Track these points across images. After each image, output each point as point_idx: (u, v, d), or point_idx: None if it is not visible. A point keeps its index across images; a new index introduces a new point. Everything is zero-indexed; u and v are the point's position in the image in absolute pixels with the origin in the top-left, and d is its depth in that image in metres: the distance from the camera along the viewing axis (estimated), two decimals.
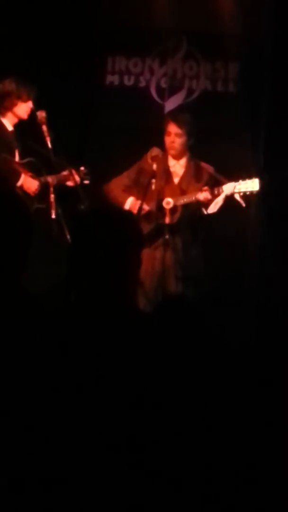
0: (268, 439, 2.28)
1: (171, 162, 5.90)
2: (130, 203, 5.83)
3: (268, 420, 2.30)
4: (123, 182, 5.96)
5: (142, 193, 5.71)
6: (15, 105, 5.73)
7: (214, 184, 5.80)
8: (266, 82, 6.75)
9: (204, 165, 5.91)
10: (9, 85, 5.73)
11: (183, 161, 5.91)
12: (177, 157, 5.89)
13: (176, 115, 5.97)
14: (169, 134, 5.82)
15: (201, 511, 2.15)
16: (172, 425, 2.15)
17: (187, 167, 5.91)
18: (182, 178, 5.91)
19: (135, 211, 5.66)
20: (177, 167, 5.91)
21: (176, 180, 5.90)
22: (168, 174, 5.90)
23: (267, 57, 6.74)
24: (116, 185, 5.95)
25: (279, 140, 6.60)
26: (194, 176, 5.90)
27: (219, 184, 5.77)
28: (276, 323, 5.79)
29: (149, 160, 5.80)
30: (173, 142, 5.81)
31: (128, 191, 5.92)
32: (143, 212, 5.73)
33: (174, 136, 5.80)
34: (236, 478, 2.19)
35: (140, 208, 5.68)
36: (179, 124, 5.79)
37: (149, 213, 5.82)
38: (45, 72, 6.46)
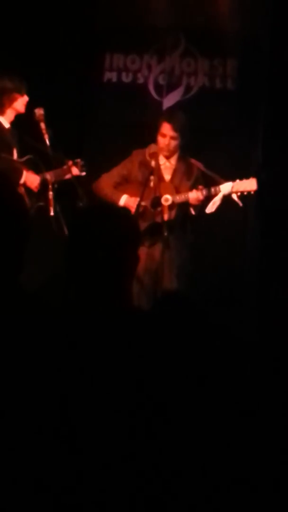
0: (270, 437, 2.27)
1: (161, 160, 5.87)
2: (125, 200, 5.82)
3: (269, 419, 2.30)
4: (113, 180, 5.95)
5: (139, 190, 5.71)
6: (15, 100, 5.73)
7: (205, 180, 5.80)
8: (264, 78, 6.74)
9: (193, 161, 5.90)
10: (9, 81, 5.72)
11: (173, 159, 5.90)
12: (168, 157, 5.88)
13: (171, 116, 5.90)
14: (164, 136, 5.79)
15: (202, 509, 2.15)
16: (172, 422, 2.15)
17: (178, 164, 5.91)
18: (173, 176, 5.90)
19: (131, 208, 5.65)
20: (168, 165, 5.90)
21: (167, 177, 5.90)
22: (159, 172, 5.89)
23: (265, 54, 6.74)
24: (106, 184, 5.93)
25: (277, 137, 6.60)
26: (184, 173, 5.90)
27: (210, 179, 5.77)
28: (274, 321, 5.79)
29: (148, 157, 5.80)
30: (168, 144, 5.80)
31: (120, 189, 5.91)
32: (141, 208, 5.72)
33: (170, 139, 5.79)
34: (237, 478, 2.19)
35: (138, 205, 5.67)
36: (175, 127, 5.76)
37: (146, 209, 5.82)
38: (43, 69, 6.46)
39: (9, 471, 2.09)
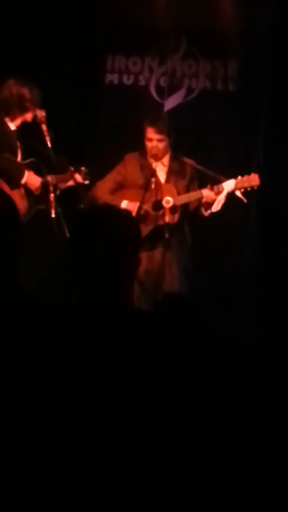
0: (270, 437, 2.28)
1: (154, 163, 5.86)
2: (126, 205, 5.80)
3: (270, 419, 2.31)
4: (109, 186, 5.93)
5: (138, 194, 5.70)
6: (27, 111, 5.75)
7: (199, 178, 5.80)
8: (265, 80, 6.74)
9: (186, 159, 5.90)
10: (28, 91, 5.73)
11: (165, 160, 5.90)
12: (160, 158, 5.87)
13: (153, 120, 5.87)
14: (151, 140, 5.80)
15: (202, 509, 2.15)
16: (173, 423, 2.15)
17: (171, 165, 5.91)
18: (168, 177, 5.90)
19: (133, 212, 5.63)
20: (161, 167, 5.90)
21: (162, 179, 5.89)
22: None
23: (266, 55, 6.73)
24: (103, 191, 5.90)
25: (279, 138, 6.60)
26: (179, 173, 5.90)
27: (205, 176, 5.76)
28: (275, 322, 5.79)
29: (149, 159, 5.80)
30: (156, 147, 5.80)
31: (117, 195, 5.90)
32: (142, 211, 5.72)
33: (156, 141, 5.80)
34: (236, 477, 2.19)
35: (140, 208, 5.67)
36: (159, 130, 5.77)
37: (148, 213, 5.81)
38: (45, 71, 6.46)
39: (10, 471, 2.10)
